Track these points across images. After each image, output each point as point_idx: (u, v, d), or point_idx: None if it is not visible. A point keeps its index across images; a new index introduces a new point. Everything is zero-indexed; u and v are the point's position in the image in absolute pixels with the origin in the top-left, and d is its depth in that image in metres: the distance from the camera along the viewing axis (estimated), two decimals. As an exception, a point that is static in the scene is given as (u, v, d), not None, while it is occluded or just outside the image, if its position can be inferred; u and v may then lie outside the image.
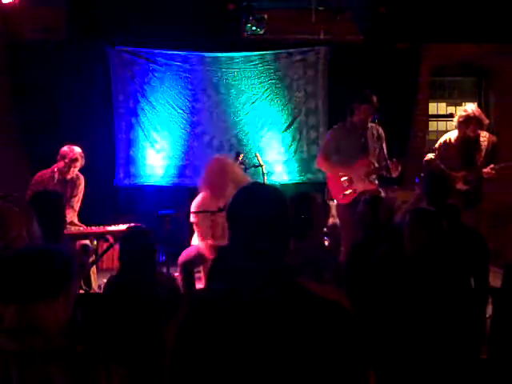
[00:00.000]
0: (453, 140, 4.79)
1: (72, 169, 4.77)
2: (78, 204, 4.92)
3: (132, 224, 4.43)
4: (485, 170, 4.58)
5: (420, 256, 2.55)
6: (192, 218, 4.45)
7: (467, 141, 4.72)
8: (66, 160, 4.73)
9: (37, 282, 1.46)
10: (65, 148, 4.77)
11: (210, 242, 4.43)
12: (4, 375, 1.34)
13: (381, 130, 4.81)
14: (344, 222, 4.70)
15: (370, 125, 4.71)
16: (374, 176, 4.71)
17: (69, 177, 4.80)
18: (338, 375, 1.27)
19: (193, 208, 4.48)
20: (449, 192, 3.13)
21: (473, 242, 2.83)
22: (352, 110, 4.74)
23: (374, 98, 4.64)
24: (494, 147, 4.74)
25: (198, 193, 4.59)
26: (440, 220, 2.61)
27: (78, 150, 4.79)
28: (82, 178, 4.93)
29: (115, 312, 2.69)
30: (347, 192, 4.67)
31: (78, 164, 4.80)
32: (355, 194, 4.66)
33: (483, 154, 4.70)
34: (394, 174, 4.60)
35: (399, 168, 4.54)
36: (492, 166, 4.57)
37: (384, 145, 4.84)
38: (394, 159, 4.62)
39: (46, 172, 4.86)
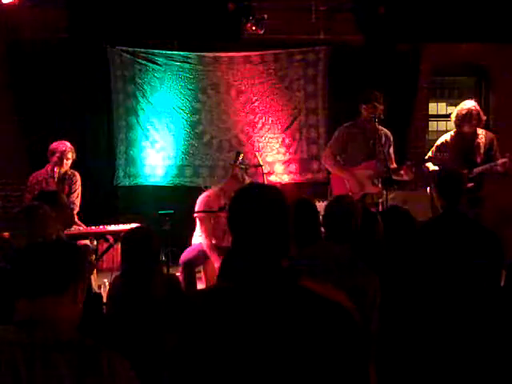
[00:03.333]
0: (449, 141, 4.79)
1: (64, 161, 4.78)
2: (79, 199, 4.93)
3: (135, 225, 4.47)
4: (501, 160, 4.55)
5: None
6: (196, 215, 4.47)
7: (465, 139, 4.72)
8: (57, 154, 4.76)
9: (47, 276, 1.47)
10: (53, 144, 4.82)
11: (213, 241, 4.45)
12: (12, 367, 1.35)
13: (389, 134, 4.81)
14: None
15: (381, 128, 4.68)
16: (379, 179, 4.68)
17: (63, 170, 4.81)
18: (339, 374, 1.27)
19: (198, 204, 4.49)
20: (462, 190, 3.09)
21: (487, 242, 2.80)
22: (358, 111, 4.75)
23: (373, 97, 4.62)
24: (492, 144, 4.74)
25: (198, 191, 4.62)
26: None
27: (66, 143, 4.83)
28: (77, 174, 4.96)
29: (120, 312, 2.69)
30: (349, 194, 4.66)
31: (70, 156, 4.82)
32: (357, 196, 4.66)
33: (482, 151, 4.70)
34: (408, 177, 4.59)
35: (413, 170, 4.54)
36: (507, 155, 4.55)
37: (391, 148, 4.83)
38: (409, 162, 4.62)
39: (39, 173, 4.88)
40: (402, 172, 4.62)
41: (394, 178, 4.70)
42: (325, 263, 2.34)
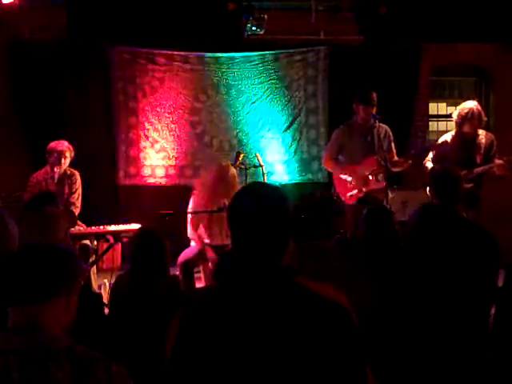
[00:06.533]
0: (449, 141, 4.79)
1: (62, 160, 4.75)
2: (80, 200, 4.89)
3: (135, 225, 4.47)
4: (497, 162, 4.55)
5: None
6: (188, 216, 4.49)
7: (465, 140, 4.71)
8: (55, 153, 4.72)
9: (37, 282, 1.45)
10: (51, 143, 4.78)
11: (207, 241, 4.46)
12: (5, 375, 1.34)
13: (388, 130, 4.82)
14: (350, 221, 4.68)
15: (376, 124, 4.67)
16: (381, 175, 4.67)
17: (61, 170, 4.78)
18: (337, 374, 1.27)
19: (190, 207, 4.52)
20: (459, 190, 3.08)
21: (482, 242, 2.80)
22: (353, 110, 4.76)
23: (373, 98, 4.63)
24: (492, 145, 4.73)
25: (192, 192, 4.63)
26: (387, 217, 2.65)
27: (64, 142, 4.79)
28: (77, 173, 4.91)
29: (122, 312, 2.70)
30: (352, 192, 4.67)
31: (68, 155, 4.78)
32: (361, 193, 4.66)
33: (482, 151, 4.70)
34: (407, 165, 4.70)
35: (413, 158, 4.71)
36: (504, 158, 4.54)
37: (392, 143, 4.84)
38: (412, 151, 4.78)
39: (39, 173, 4.85)
40: (402, 160, 4.71)
41: (394, 169, 4.71)
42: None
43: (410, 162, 4.70)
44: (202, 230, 4.54)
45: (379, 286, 2.47)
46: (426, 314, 2.43)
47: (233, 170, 4.59)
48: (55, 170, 4.74)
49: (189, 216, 4.51)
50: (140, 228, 3.31)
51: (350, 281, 2.25)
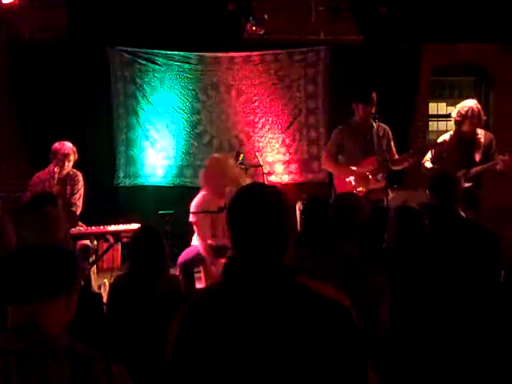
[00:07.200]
0: (448, 140, 4.79)
1: (66, 163, 4.76)
2: (81, 200, 4.90)
3: (135, 225, 4.47)
4: (501, 157, 4.54)
5: (399, 253, 2.59)
6: (191, 218, 4.45)
7: (464, 139, 4.71)
8: (59, 156, 4.73)
9: (38, 282, 1.45)
10: (55, 144, 4.78)
11: (210, 241, 4.44)
12: (4, 374, 1.34)
13: (387, 129, 4.82)
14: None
15: (376, 123, 4.66)
16: (381, 174, 4.67)
17: (64, 172, 4.79)
18: (338, 372, 1.27)
19: (192, 207, 4.49)
20: (456, 191, 3.08)
21: (484, 241, 2.79)
22: (353, 110, 4.76)
23: (372, 97, 4.63)
24: (491, 144, 4.73)
25: (199, 192, 4.61)
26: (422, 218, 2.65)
27: (69, 144, 4.80)
28: (79, 174, 4.92)
29: (121, 311, 2.70)
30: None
31: (72, 158, 4.79)
32: (361, 193, 4.65)
33: (481, 151, 4.69)
34: (408, 164, 4.70)
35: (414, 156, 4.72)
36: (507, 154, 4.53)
37: (392, 142, 4.84)
38: (411, 151, 4.78)
39: (43, 172, 4.86)
40: (402, 158, 4.71)
41: (395, 168, 4.71)
42: (330, 262, 2.34)
43: (411, 160, 4.69)
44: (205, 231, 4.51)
45: (398, 286, 2.44)
46: (429, 312, 2.43)
47: (225, 161, 4.60)
48: (55, 170, 4.74)
49: (192, 218, 4.49)
50: (140, 226, 3.32)
51: (365, 281, 2.26)
